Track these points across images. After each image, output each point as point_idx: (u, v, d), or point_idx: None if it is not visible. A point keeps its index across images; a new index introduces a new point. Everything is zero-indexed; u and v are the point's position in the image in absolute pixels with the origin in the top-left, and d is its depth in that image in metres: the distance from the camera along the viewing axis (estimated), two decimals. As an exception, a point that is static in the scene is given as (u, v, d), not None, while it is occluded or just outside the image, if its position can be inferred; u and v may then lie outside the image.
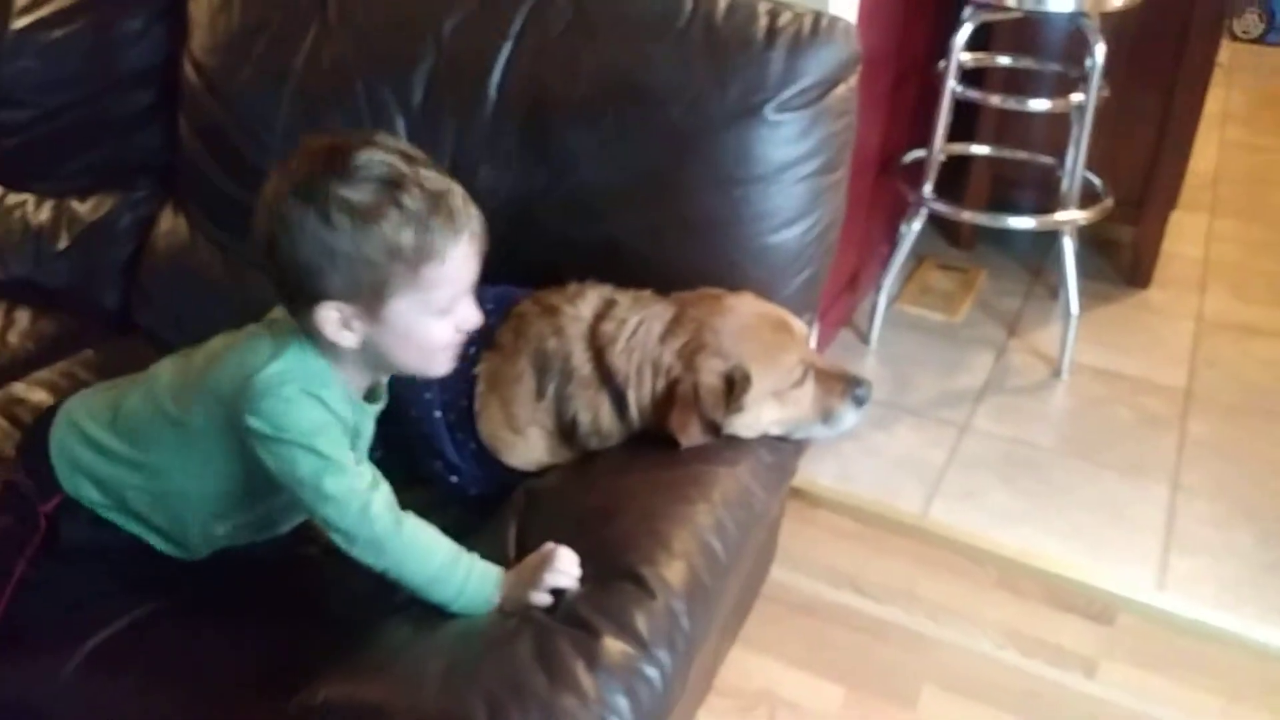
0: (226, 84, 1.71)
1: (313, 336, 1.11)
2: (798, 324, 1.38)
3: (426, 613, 1.12)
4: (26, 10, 1.91)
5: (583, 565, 1.12)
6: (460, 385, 1.39)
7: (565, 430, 1.37)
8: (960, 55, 2.50)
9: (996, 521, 2.19)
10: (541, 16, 1.50)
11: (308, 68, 1.63)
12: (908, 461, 2.37)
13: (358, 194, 1.02)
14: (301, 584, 1.34)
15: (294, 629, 1.25)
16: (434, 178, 1.07)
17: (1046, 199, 2.76)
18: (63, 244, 1.93)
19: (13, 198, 2.01)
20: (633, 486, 1.26)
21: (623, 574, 1.11)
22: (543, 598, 1.09)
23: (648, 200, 1.44)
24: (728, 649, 1.82)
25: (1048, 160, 2.80)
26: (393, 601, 1.21)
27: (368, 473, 1.12)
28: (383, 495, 1.11)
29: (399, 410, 1.41)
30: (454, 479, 1.41)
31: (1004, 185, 3.10)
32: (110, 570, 1.30)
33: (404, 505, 1.27)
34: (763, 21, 1.40)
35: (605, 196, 1.46)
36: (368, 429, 1.23)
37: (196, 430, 1.18)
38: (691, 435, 1.30)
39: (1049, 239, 2.76)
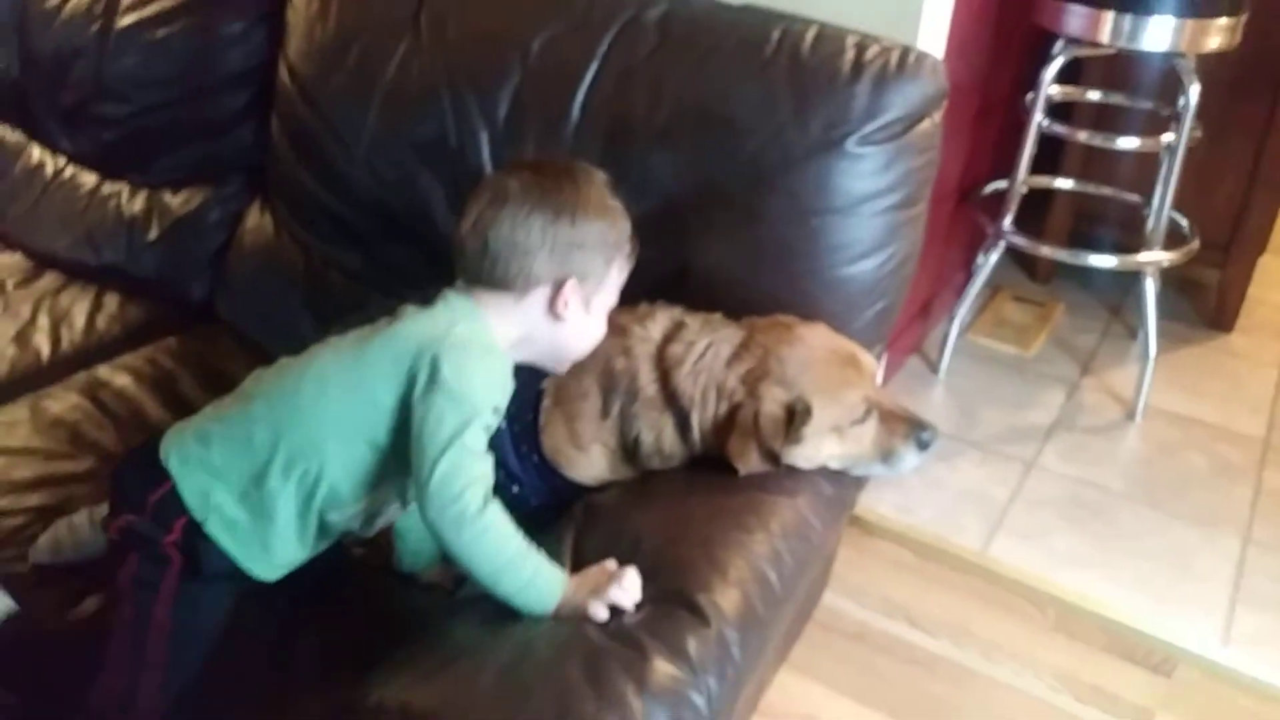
0: (318, 90, 1.76)
1: (484, 310, 1.21)
2: (867, 360, 1.37)
3: (482, 620, 1.14)
4: (132, 9, 1.99)
5: (641, 584, 1.13)
6: (526, 397, 1.41)
7: (628, 449, 1.38)
8: (1049, 89, 2.47)
9: (1058, 563, 2.15)
10: (628, 40, 1.52)
11: (397, 78, 1.67)
12: (970, 496, 2.34)
13: (580, 193, 1.20)
14: (362, 585, 1.37)
15: (354, 628, 1.29)
16: (593, 173, 1.26)
17: (1129, 236, 2.72)
18: (153, 234, 2.00)
19: (109, 187, 2.09)
20: (692, 511, 1.27)
21: (677, 598, 1.12)
22: (601, 611, 1.10)
23: (723, 226, 1.45)
24: (775, 672, 1.82)
25: (1133, 198, 2.75)
26: (448, 605, 1.24)
27: (488, 460, 1.15)
28: (486, 483, 1.14)
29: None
30: (515, 489, 1.43)
31: (1086, 220, 3.05)
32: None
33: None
34: (849, 55, 1.40)
35: (681, 220, 1.47)
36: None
37: (369, 391, 1.17)
38: (749, 463, 1.31)
39: (1130, 277, 2.71)
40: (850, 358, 1.35)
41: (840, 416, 1.33)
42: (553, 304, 1.21)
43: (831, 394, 1.32)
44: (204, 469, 1.18)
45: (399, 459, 1.17)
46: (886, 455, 1.36)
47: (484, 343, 1.19)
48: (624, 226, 1.25)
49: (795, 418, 1.30)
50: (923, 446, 1.35)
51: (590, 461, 1.40)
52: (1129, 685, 1.90)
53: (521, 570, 1.12)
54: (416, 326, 1.20)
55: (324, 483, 1.19)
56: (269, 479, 1.17)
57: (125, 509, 1.20)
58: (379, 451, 1.19)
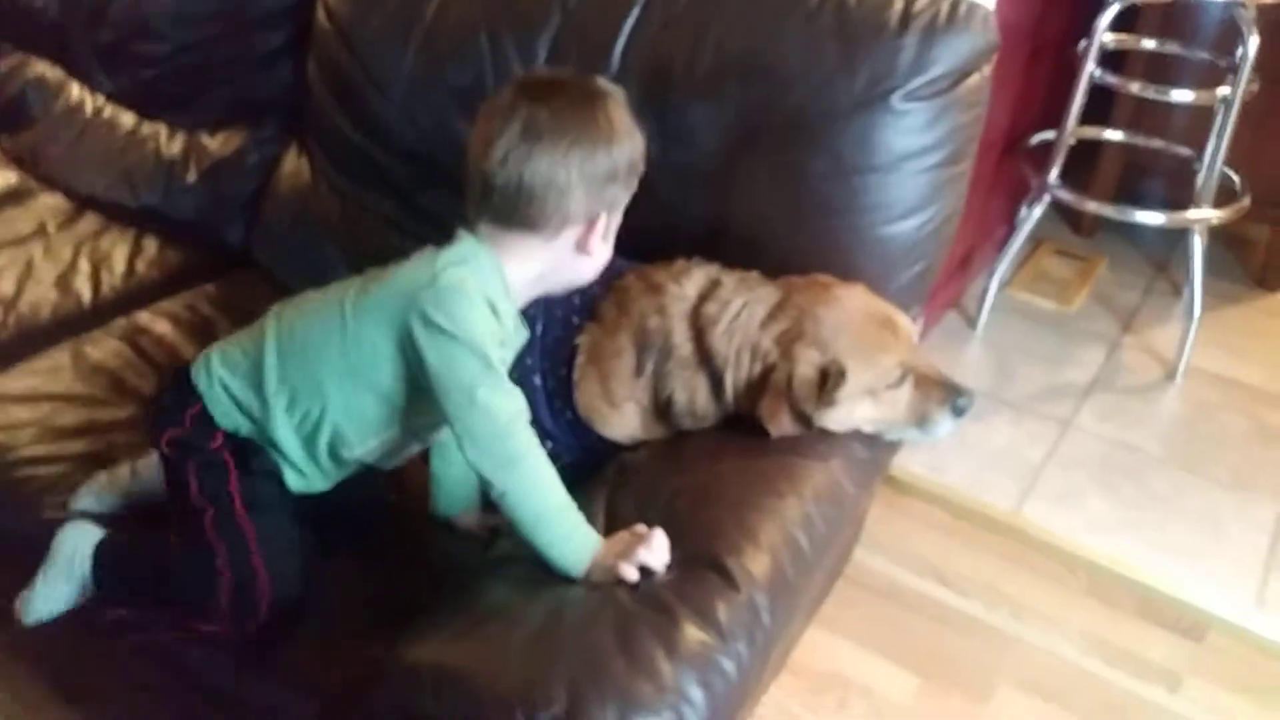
0: (356, 31, 1.74)
1: (504, 253, 1.19)
2: (904, 322, 1.35)
3: (514, 581, 1.15)
4: (171, -54, 1.97)
5: (670, 549, 1.13)
6: (561, 354, 1.40)
7: (661, 408, 1.37)
8: (1103, 37, 2.39)
9: (1091, 526, 2.14)
10: (671, -14, 1.48)
11: (435, 22, 1.65)
12: (1004, 456, 2.32)
13: (619, 114, 1.18)
14: (397, 533, 1.39)
15: (389, 580, 1.31)
16: (604, 84, 1.22)
17: (1179, 191, 2.65)
18: (191, 177, 2.00)
19: (147, 127, 2.09)
20: (724, 473, 1.27)
21: (708, 562, 1.12)
22: (631, 572, 1.10)
23: (762, 181, 1.42)
24: (804, 629, 1.82)
25: (1184, 151, 2.67)
26: (482, 563, 1.25)
27: (519, 393, 1.15)
28: (526, 418, 1.14)
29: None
30: (548, 445, 1.42)
31: (1135, 173, 2.98)
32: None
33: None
34: (898, 5, 1.36)
35: (719, 174, 1.45)
36: (515, 354, 1.28)
37: (368, 338, 1.19)
38: (781, 425, 1.30)
39: (1177, 232, 2.65)
40: (887, 320, 1.33)
41: (875, 380, 1.31)
42: (584, 241, 1.20)
43: (866, 357, 1.30)
44: (226, 394, 1.23)
45: (410, 404, 1.18)
46: (921, 420, 1.34)
47: (485, 283, 1.17)
48: (642, 145, 1.22)
49: (829, 380, 1.29)
50: (958, 413, 1.33)
51: (623, 419, 1.39)
52: (1159, 649, 1.90)
53: (563, 521, 1.13)
54: (410, 273, 1.19)
55: (326, 424, 1.21)
56: (273, 418, 1.21)
57: (168, 424, 1.25)
58: (384, 397, 1.20)
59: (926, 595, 1.99)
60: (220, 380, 1.23)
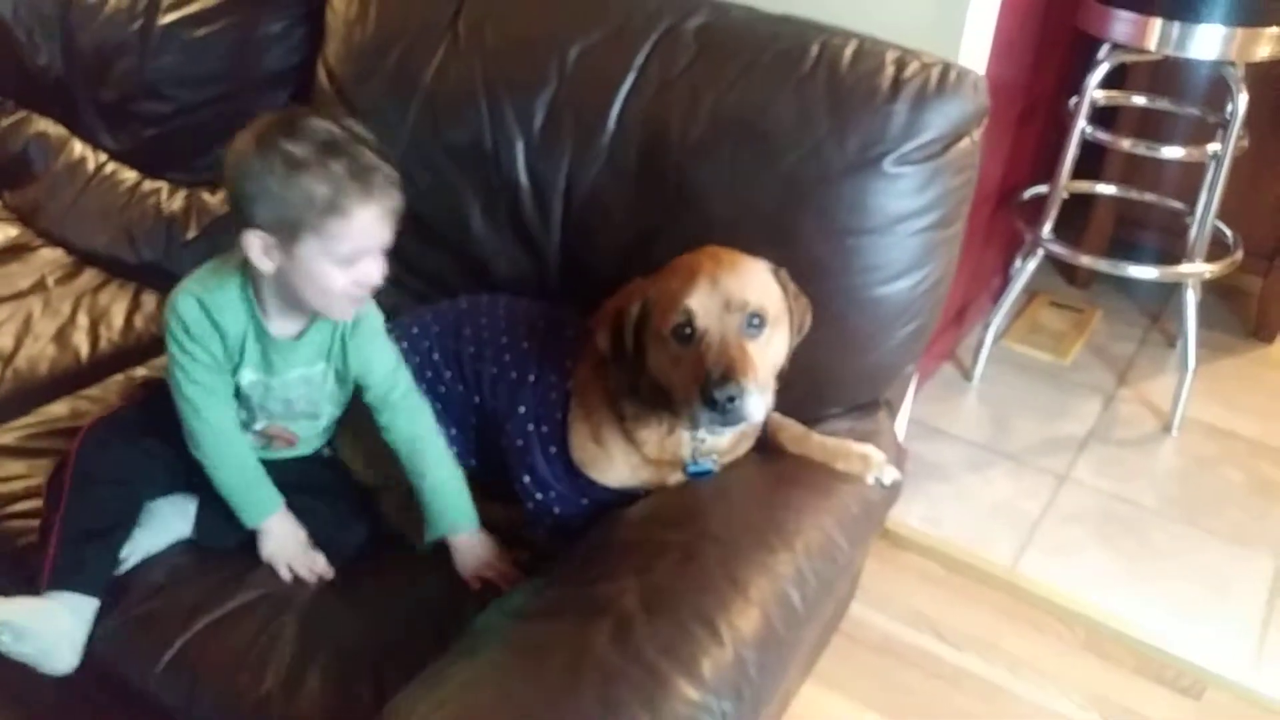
0: (356, 93, 1.77)
1: (246, 262, 1.30)
2: (726, 281, 1.26)
3: (502, 639, 1.16)
4: (173, 7, 2.02)
5: (656, 605, 1.13)
6: (555, 400, 1.41)
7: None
8: (1093, 94, 2.43)
9: (1089, 581, 2.13)
10: (666, 50, 1.51)
11: (435, 83, 1.67)
12: (1001, 509, 2.32)
13: (297, 148, 1.22)
14: (376, 577, 1.42)
15: (366, 632, 1.32)
16: (369, 157, 1.26)
17: (1172, 243, 2.68)
18: (192, 233, 2.02)
19: (149, 184, 2.11)
20: (713, 529, 1.27)
21: (695, 617, 1.12)
22: (475, 582, 1.38)
23: (757, 241, 1.42)
24: (800, 684, 1.82)
25: (1177, 205, 2.71)
26: (461, 601, 1.32)
27: (221, 388, 1.36)
28: (215, 411, 1.36)
29: (494, 423, 1.46)
30: (540, 495, 1.43)
31: (1128, 226, 3.01)
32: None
33: (495, 518, 1.44)
34: (889, 71, 1.38)
35: (716, 232, 1.45)
36: (280, 362, 1.38)
37: None
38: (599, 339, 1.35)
39: (1172, 284, 2.67)
40: (694, 271, 1.26)
41: (666, 319, 1.26)
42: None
43: (667, 296, 1.26)
44: None
45: None
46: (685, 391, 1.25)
47: (205, 281, 1.35)
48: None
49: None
50: (709, 403, 1.20)
51: (611, 461, 1.40)
52: (1158, 707, 1.88)
53: (248, 495, 1.41)
54: None
55: None
56: None
57: None
58: None
59: (923, 650, 1.98)
60: None
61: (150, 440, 1.40)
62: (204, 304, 1.32)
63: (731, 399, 1.19)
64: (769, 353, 1.28)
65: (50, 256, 2.10)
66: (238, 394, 1.39)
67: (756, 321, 1.25)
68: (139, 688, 1.30)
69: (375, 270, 1.31)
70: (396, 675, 1.19)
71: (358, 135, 1.27)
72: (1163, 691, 1.92)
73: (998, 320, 2.71)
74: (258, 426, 1.44)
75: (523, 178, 1.60)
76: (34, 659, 1.27)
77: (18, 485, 1.51)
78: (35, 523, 1.42)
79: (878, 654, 1.97)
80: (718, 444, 1.37)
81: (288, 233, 1.24)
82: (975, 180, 1.46)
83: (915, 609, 2.06)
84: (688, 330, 1.24)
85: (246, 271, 1.32)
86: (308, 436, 1.49)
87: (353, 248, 1.26)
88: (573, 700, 1.03)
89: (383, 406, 1.42)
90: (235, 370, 1.36)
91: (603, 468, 1.40)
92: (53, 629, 1.27)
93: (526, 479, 1.43)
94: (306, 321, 1.37)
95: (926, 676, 1.93)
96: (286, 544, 1.41)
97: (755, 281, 1.27)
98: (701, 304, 1.24)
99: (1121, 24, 2.26)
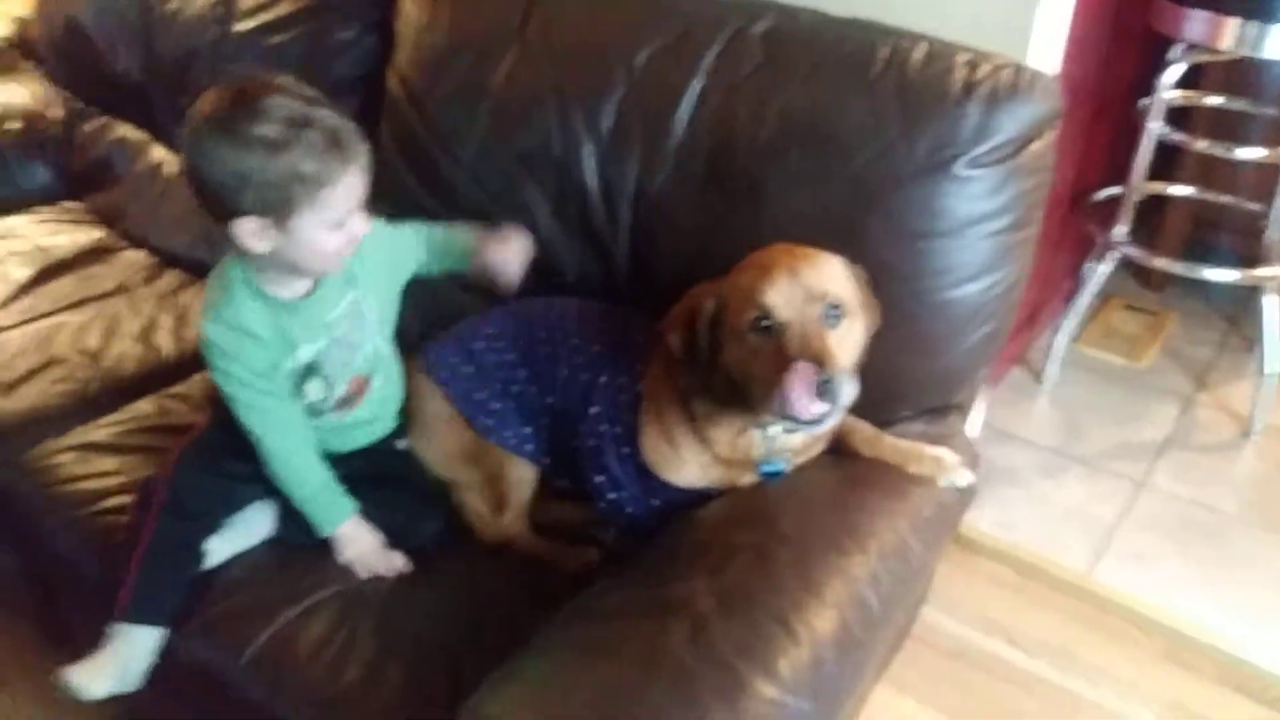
0: (427, 98, 1.79)
1: (237, 257, 1.34)
2: (802, 275, 1.25)
3: (576, 637, 1.17)
4: (249, 14, 2.07)
5: (731, 605, 1.13)
6: (626, 401, 1.43)
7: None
8: (1166, 94, 2.38)
9: (1167, 588, 2.09)
10: (734, 54, 1.51)
11: (504, 88, 1.69)
12: (1076, 515, 2.28)
13: (269, 129, 1.23)
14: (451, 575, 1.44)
15: (441, 631, 1.34)
16: (331, 117, 1.28)
17: (1248, 246, 2.62)
18: (267, 237, 2.06)
19: (226, 189, 2.16)
20: (788, 531, 1.27)
21: (771, 617, 1.12)
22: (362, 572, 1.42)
23: (825, 244, 1.43)
24: (873, 687, 1.80)
25: (1253, 206, 2.64)
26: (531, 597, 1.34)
27: (280, 403, 1.40)
28: (278, 432, 1.40)
29: (568, 424, 1.47)
30: (613, 495, 1.44)
31: (1203, 227, 2.94)
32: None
33: (566, 517, 1.47)
34: (960, 73, 1.37)
35: (784, 235, 1.45)
36: (319, 317, 1.40)
37: None
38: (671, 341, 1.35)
39: (1249, 287, 2.60)
40: (767, 267, 1.26)
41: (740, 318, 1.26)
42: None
43: (740, 294, 1.26)
44: None
45: None
46: (765, 383, 1.23)
47: (219, 302, 1.38)
48: None
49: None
50: (823, 388, 1.18)
51: (681, 462, 1.40)
52: (1238, 717, 1.84)
53: (317, 504, 1.45)
54: None
55: None
56: None
57: None
58: None
59: (995, 656, 1.95)
60: None
61: (234, 462, 1.44)
62: (225, 320, 1.36)
63: (826, 382, 1.17)
64: (849, 343, 1.26)
65: (133, 258, 2.16)
66: (311, 372, 1.41)
67: (836, 312, 1.24)
68: (225, 680, 1.34)
69: (361, 222, 1.34)
70: (473, 670, 1.21)
71: (310, 97, 1.29)
72: (1245, 702, 1.87)
73: (1070, 323, 2.67)
74: (340, 391, 1.45)
75: (591, 181, 1.62)
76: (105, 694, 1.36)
77: (111, 481, 1.55)
78: (125, 519, 1.48)
79: (949, 659, 1.94)
80: (789, 443, 1.37)
81: (281, 211, 1.26)
82: (1049, 183, 1.44)
83: (987, 615, 2.03)
84: (766, 323, 1.23)
85: (242, 264, 1.36)
86: (375, 373, 1.50)
87: (344, 210, 1.30)
88: (650, 697, 1.03)
89: (428, 255, 1.56)
90: (291, 355, 1.38)
91: (674, 468, 1.41)
92: (118, 671, 1.36)
93: (599, 479, 1.44)
94: (300, 278, 1.40)
95: (999, 682, 1.91)
96: (363, 548, 1.44)
97: (832, 273, 1.27)
98: (782, 296, 1.23)
99: (1196, 23, 2.21)
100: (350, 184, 1.29)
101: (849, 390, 1.20)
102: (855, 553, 1.22)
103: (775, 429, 1.34)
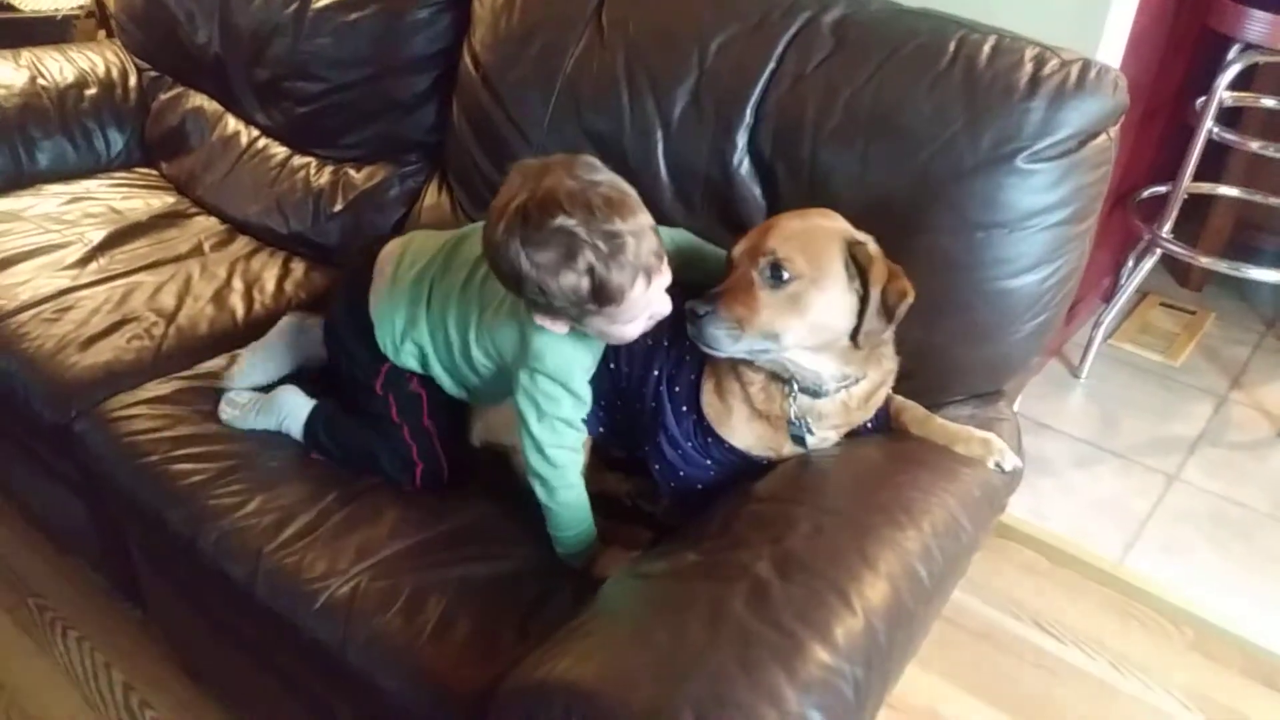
0: (500, 78, 1.85)
1: None
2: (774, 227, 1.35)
3: (641, 595, 1.22)
4: (327, -8, 2.11)
5: (790, 572, 1.17)
6: (689, 361, 1.46)
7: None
8: (1222, 94, 2.40)
9: (1198, 581, 2.13)
10: (804, 44, 1.55)
11: (576, 72, 1.74)
12: (1108, 506, 2.32)
13: (543, 255, 1.23)
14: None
15: (512, 594, 1.40)
16: (614, 226, 1.24)
17: (1292, 248, 2.64)
18: (338, 206, 2.13)
19: (298, 159, 2.23)
20: (842, 505, 1.31)
21: (828, 586, 1.16)
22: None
23: (887, 231, 1.47)
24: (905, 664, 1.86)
25: (1300, 209, 2.67)
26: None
27: (578, 436, 1.43)
28: (574, 471, 1.44)
29: (629, 389, 1.51)
30: (670, 451, 1.47)
31: (1246, 228, 2.97)
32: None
33: (615, 489, 1.54)
34: (1027, 68, 1.40)
35: (848, 218, 1.51)
36: (593, 343, 1.43)
37: (480, 351, 1.52)
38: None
39: (1289, 291, 2.64)
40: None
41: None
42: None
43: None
44: (405, 354, 1.57)
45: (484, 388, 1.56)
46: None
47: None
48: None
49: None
50: (689, 316, 1.32)
51: (730, 413, 1.44)
52: (1266, 711, 1.88)
53: (579, 539, 1.46)
54: (506, 332, 1.47)
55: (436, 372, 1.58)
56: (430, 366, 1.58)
57: (370, 376, 1.60)
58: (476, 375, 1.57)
59: (1024, 640, 2.01)
60: (400, 349, 1.56)
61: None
62: (564, 351, 1.38)
63: (696, 312, 1.30)
64: (786, 306, 1.31)
65: (205, 223, 2.24)
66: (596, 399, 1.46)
67: (774, 272, 1.31)
68: (294, 624, 1.40)
69: (663, 304, 1.33)
70: (539, 626, 1.28)
71: (593, 206, 1.23)
72: (1273, 695, 1.92)
73: (1108, 319, 2.70)
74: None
75: (662, 166, 1.66)
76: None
77: (181, 432, 1.63)
78: (200, 466, 1.56)
79: (978, 640, 2.00)
80: (812, 405, 1.41)
81: (571, 319, 1.32)
82: (1109, 176, 1.47)
83: (1017, 599, 2.08)
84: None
85: None
86: None
87: (635, 311, 1.30)
88: (713, 656, 1.07)
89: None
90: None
91: (724, 421, 1.45)
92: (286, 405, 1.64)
93: (660, 437, 1.48)
94: None
95: (1027, 666, 1.96)
96: (621, 563, 1.41)
97: (798, 239, 1.33)
98: (741, 246, 1.36)
99: (1257, 24, 2.23)
100: (637, 292, 1.27)
101: (718, 335, 1.30)
102: (909, 527, 1.27)
103: (793, 387, 1.39)
